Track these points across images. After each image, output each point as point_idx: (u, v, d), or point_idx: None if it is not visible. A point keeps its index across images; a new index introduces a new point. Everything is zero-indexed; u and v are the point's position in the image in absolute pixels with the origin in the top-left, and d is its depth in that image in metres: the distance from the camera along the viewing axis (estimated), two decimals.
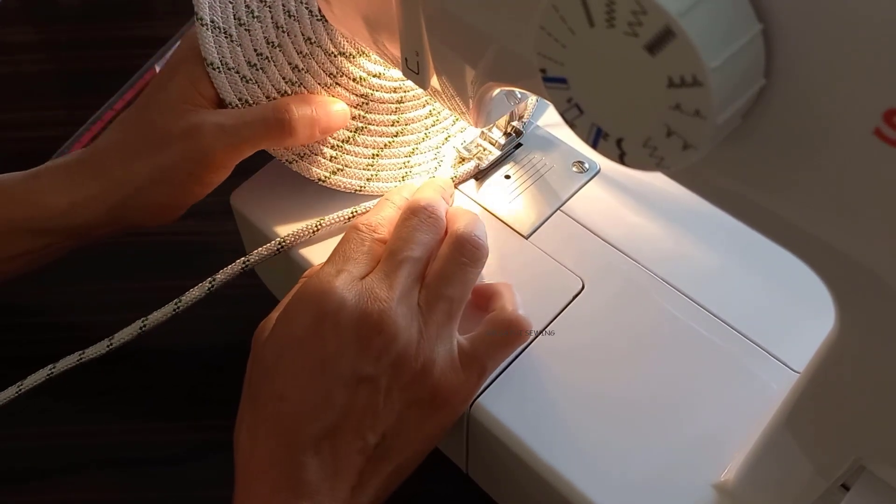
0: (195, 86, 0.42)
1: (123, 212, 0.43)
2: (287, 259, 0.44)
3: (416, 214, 0.39)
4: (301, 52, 0.44)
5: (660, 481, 0.36)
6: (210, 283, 0.42)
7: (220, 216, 0.48)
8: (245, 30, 0.43)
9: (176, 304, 0.42)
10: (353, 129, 0.45)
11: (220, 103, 0.43)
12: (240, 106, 0.43)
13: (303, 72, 0.44)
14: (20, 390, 0.43)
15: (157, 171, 0.42)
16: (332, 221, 0.43)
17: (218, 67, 0.42)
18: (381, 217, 0.40)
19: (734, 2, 0.21)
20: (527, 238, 0.44)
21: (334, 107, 0.43)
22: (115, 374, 0.49)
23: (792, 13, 0.21)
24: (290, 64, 0.44)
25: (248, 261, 0.42)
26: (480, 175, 0.46)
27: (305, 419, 0.34)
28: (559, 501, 0.36)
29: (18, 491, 0.46)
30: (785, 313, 0.40)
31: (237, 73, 0.43)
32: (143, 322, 0.43)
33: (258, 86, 0.43)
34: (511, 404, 0.38)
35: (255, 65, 0.43)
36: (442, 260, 0.38)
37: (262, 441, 0.34)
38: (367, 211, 0.43)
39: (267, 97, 0.43)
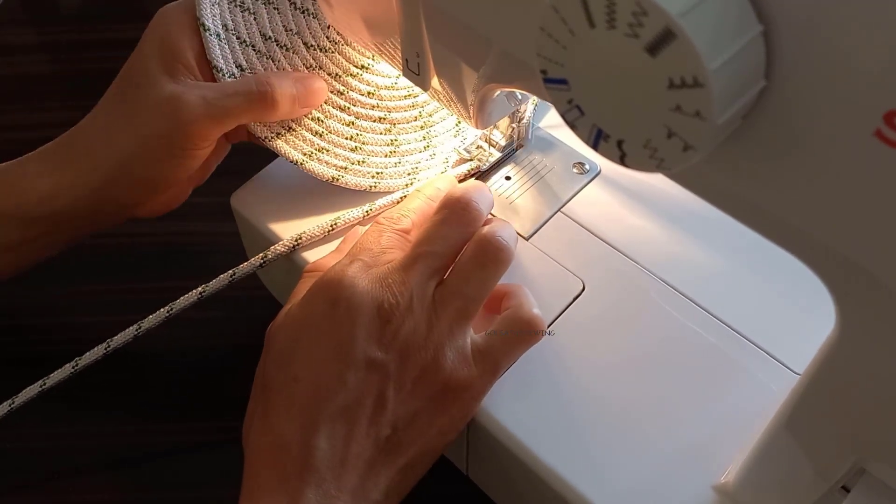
0: (175, 56, 0.42)
1: (110, 192, 0.43)
2: (289, 260, 0.44)
3: (446, 207, 0.39)
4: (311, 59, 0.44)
5: (659, 483, 0.36)
6: (231, 275, 0.42)
7: (220, 217, 0.48)
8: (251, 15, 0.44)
9: (201, 291, 0.42)
10: (383, 132, 0.46)
11: (202, 71, 0.42)
12: (235, 74, 0.43)
13: (321, 51, 0.44)
14: (43, 385, 0.43)
15: (140, 143, 0.41)
16: (347, 221, 0.44)
17: (211, 31, 0.42)
18: (407, 209, 0.41)
19: (734, 3, 0.21)
20: (527, 239, 0.44)
21: (313, 82, 0.44)
22: (114, 375, 0.49)
23: (792, 14, 0.21)
24: (305, 43, 0.44)
25: (266, 256, 0.42)
26: (481, 176, 0.46)
27: (319, 398, 0.34)
28: (559, 503, 0.36)
29: (18, 492, 0.46)
30: (785, 315, 0.40)
31: (236, 37, 0.43)
32: (168, 308, 0.42)
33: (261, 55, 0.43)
34: (511, 405, 0.38)
35: (269, 37, 0.44)
36: (463, 258, 0.38)
37: (273, 426, 0.35)
38: (382, 207, 0.44)
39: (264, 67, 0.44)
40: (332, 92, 0.45)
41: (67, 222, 0.44)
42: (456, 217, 0.39)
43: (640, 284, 0.42)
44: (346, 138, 0.45)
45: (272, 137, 0.44)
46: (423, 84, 0.38)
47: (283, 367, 0.36)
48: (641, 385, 0.38)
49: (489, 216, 0.42)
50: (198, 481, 0.46)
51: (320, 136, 0.45)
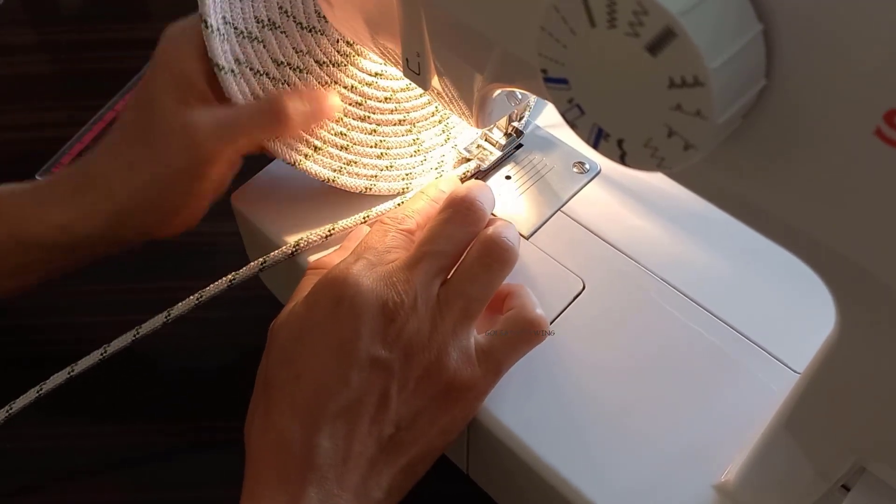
0: (188, 83, 0.41)
1: (129, 219, 0.43)
2: (291, 262, 0.44)
3: (450, 206, 0.39)
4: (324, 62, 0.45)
5: (660, 482, 0.36)
6: (230, 280, 0.42)
7: (221, 216, 0.48)
8: (268, 31, 0.43)
9: (198, 296, 0.42)
10: (405, 133, 0.46)
11: (215, 94, 0.42)
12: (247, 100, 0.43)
13: (334, 66, 0.44)
14: (71, 372, 0.43)
15: (158, 172, 0.42)
16: (345, 227, 0.43)
17: (225, 69, 0.42)
18: (411, 210, 0.41)
19: (735, 2, 0.21)
20: (527, 239, 0.44)
21: (322, 92, 0.44)
22: (115, 376, 0.49)
23: (792, 13, 0.21)
24: (317, 61, 0.44)
25: (265, 262, 0.42)
26: (481, 176, 0.46)
27: (322, 396, 0.34)
28: (559, 502, 0.36)
29: (18, 492, 0.46)
30: (785, 314, 0.40)
31: (249, 68, 0.43)
32: (199, 296, 0.42)
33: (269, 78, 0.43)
34: (511, 405, 0.38)
35: (281, 62, 0.44)
36: (468, 259, 0.38)
37: (276, 423, 0.34)
38: (380, 214, 0.44)
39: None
40: (350, 104, 0.45)
41: (85, 248, 0.44)
42: (460, 216, 0.39)
43: (641, 284, 0.42)
44: (371, 146, 0.45)
45: (300, 161, 0.44)
46: (424, 84, 0.38)
47: (285, 364, 0.36)
48: (641, 384, 0.38)
49: (491, 216, 0.42)
50: (198, 481, 0.46)
51: (346, 149, 0.45)
